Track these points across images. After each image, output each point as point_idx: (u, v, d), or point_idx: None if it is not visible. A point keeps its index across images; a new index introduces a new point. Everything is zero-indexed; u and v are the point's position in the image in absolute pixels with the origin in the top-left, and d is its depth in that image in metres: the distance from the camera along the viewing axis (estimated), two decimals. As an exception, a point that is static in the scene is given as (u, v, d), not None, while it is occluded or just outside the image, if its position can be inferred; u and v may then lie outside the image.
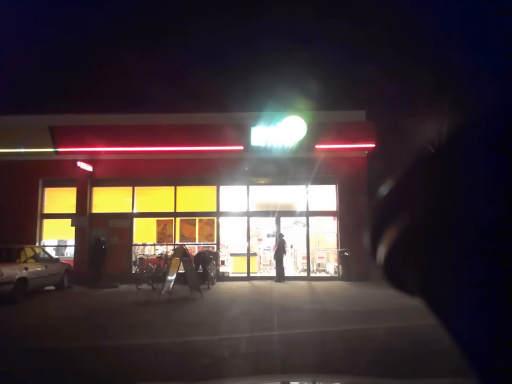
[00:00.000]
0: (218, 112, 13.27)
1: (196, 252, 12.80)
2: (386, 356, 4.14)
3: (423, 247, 0.40)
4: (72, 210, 13.02)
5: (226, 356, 4.64)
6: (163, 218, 13.25)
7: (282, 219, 13.45)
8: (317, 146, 12.40)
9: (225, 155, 12.79)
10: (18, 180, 12.56)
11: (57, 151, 12.70)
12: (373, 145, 12.56)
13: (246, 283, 12.15)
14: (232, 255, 13.62)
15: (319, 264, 13.62)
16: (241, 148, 12.55)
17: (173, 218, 13.13)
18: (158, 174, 12.85)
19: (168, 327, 6.36)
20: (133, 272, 12.04)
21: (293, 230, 14.44)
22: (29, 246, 10.44)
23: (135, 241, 13.28)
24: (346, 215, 12.16)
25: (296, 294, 10.08)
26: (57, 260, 11.20)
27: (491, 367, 0.36)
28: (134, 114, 13.21)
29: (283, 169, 12.15)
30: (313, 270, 13.22)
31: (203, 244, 13.28)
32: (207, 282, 10.96)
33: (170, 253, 11.33)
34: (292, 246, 14.30)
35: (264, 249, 14.48)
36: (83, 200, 13.06)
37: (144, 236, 13.51)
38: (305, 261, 13.25)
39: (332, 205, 13.02)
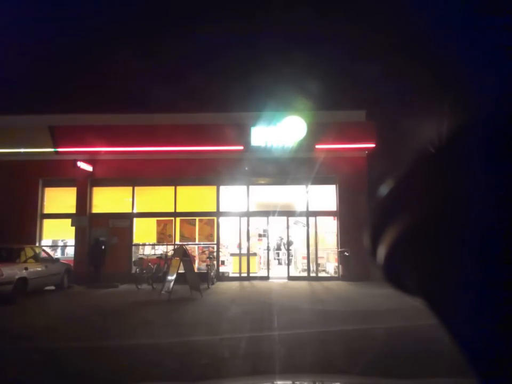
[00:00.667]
0: (218, 112, 13.26)
1: (196, 252, 12.84)
2: (386, 356, 4.14)
3: (423, 247, 0.40)
4: (72, 210, 13.02)
5: (226, 356, 4.64)
6: (163, 218, 13.26)
7: (282, 219, 13.45)
8: (317, 146, 12.41)
9: (225, 155, 12.79)
10: (18, 180, 12.56)
11: (57, 151, 12.71)
12: (373, 145, 12.57)
13: (246, 283, 12.15)
14: (232, 255, 13.62)
15: (319, 264, 13.62)
16: (241, 148, 12.56)
17: (173, 218, 13.13)
18: (158, 174, 12.86)
19: (168, 327, 6.36)
20: (133, 272, 12.04)
21: (293, 230, 14.44)
22: (29, 246, 10.44)
23: (135, 241, 13.28)
24: (346, 215, 12.16)
25: (296, 294, 10.08)
26: (57, 259, 11.21)
27: (491, 367, 0.36)
28: (134, 114, 13.21)
29: (283, 169, 12.15)
30: (313, 270, 13.23)
31: (203, 244, 13.29)
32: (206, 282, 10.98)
33: (170, 253, 11.34)
34: (289, 246, 14.29)
35: (264, 249, 14.49)
36: (83, 200, 13.06)
37: (144, 235, 13.51)
38: (305, 261, 13.25)
39: (332, 205, 13.02)
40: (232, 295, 9.76)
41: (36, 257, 10.12)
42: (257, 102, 13.90)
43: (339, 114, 12.93)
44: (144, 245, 13.51)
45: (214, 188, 13.20)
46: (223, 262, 13.44)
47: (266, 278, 12.86)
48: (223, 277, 12.72)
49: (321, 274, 13.27)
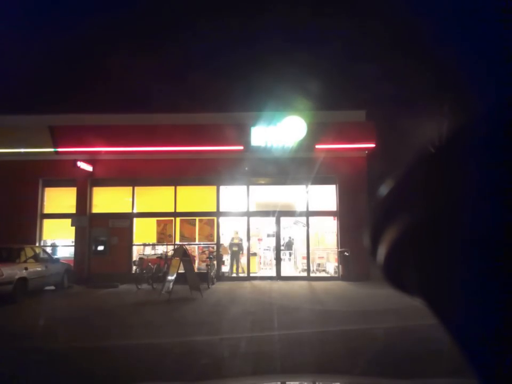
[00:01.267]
0: (218, 112, 13.26)
1: (196, 252, 12.84)
2: (386, 356, 4.14)
3: (423, 247, 0.40)
4: (72, 210, 13.02)
5: (226, 356, 4.64)
6: (163, 218, 13.25)
7: (282, 219, 13.45)
8: (317, 146, 12.40)
9: (225, 155, 12.78)
10: (18, 180, 12.55)
11: (57, 151, 12.70)
12: (373, 145, 12.56)
13: (246, 283, 12.15)
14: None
15: (319, 264, 13.62)
16: (241, 148, 12.55)
17: (173, 218, 13.13)
18: (158, 174, 12.85)
19: (168, 327, 6.36)
20: (133, 272, 12.04)
21: (293, 230, 14.44)
22: (29, 246, 10.43)
23: (135, 241, 13.28)
24: (346, 215, 12.15)
25: (296, 294, 10.08)
26: (57, 259, 11.21)
27: (491, 367, 0.36)
28: (134, 114, 13.21)
29: (283, 169, 12.14)
30: (313, 270, 13.23)
31: (203, 244, 13.29)
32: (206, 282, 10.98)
33: (170, 253, 11.34)
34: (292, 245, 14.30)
35: (264, 249, 14.50)
36: (83, 200, 13.06)
37: (144, 235, 13.51)
38: (305, 261, 13.25)
39: (332, 205, 13.02)
40: (232, 295, 9.75)
41: (36, 257, 10.11)
42: (257, 102, 13.92)
43: (339, 114, 12.92)
44: (144, 245, 13.51)
45: (214, 188, 13.20)
46: (223, 262, 13.44)
47: (267, 278, 12.85)
48: (223, 277, 12.72)
49: (321, 274, 13.27)
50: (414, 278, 0.42)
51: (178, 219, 13.16)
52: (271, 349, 4.91)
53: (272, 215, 13.09)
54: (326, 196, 13.23)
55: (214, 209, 13.12)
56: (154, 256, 12.47)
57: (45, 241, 13.31)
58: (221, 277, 12.65)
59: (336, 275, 12.68)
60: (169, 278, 9.16)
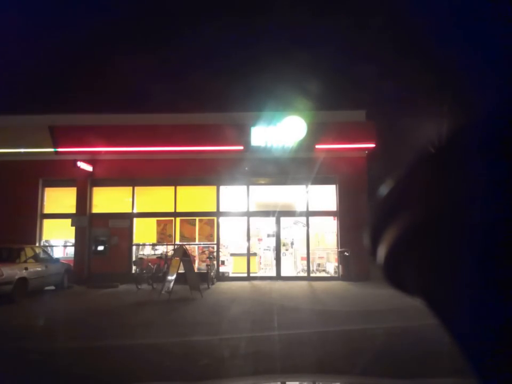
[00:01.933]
0: (218, 112, 13.27)
1: (196, 252, 12.82)
2: (386, 356, 4.14)
3: (423, 247, 0.40)
4: (72, 210, 13.02)
5: (226, 356, 4.64)
6: (163, 218, 13.25)
7: (282, 219, 13.45)
8: (317, 146, 12.41)
9: (225, 155, 12.78)
10: (18, 180, 12.56)
11: (57, 151, 12.70)
12: (373, 145, 12.57)
13: (246, 283, 12.15)
14: (232, 255, 13.62)
15: (319, 264, 13.62)
16: (241, 148, 12.55)
17: (173, 218, 13.13)
18: (158, 174, 12.86)
19: (168, 327, 6.36)
20: (133, 272, 12.04)
21: (293, 230, 14.44)
22: (29, 246, 10.44)
23: (135, 241, 13.28)
24: (346, 215, 12.15)
25: (296, 294, 10.08)
26: (57, 259, 11.21)
27: (491, 367, 0.36)
28: (134, 114, 13.21)
29: (283, 169, 12.15)
30: (313, 270, 13.22)
31: (203, 244, 13.29)
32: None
33: (170, 253, 11.34)
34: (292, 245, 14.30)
35: (264, 249, 14.49)
36: (83, 200, 13.06)
37: (144, 235, 13.51)
38: (305, 261, 13.25)
39: (332, 205, 13.02)
40: (232, 295, 9.75)
41: (36, 257, 10.11)
42: (257, 102, 13.93)
43: (339, 114, 12.93)
44: (144, 245, 13.50)
45: (214, 188, 13.20)
46: (223, 262, 13.44)
47: (267, 278, 12.85)
48: (223, 277, 12.72)
49: (321, 274, 13.27)
50: (414, 278, 0.42)
51: (178, 219, 13.17)
52: (271, 349, 4.91)
53: (272, 215, 13.09)
54: (326, 196, 13.23)
55: (214, 209, 13.13)
56: (154, 256, 12.48)
57: (44, 241, 13.31)
58: (221, 277, 12.65)
59: (336, 275, 12.68)
60: (169, 278, 9.16)
